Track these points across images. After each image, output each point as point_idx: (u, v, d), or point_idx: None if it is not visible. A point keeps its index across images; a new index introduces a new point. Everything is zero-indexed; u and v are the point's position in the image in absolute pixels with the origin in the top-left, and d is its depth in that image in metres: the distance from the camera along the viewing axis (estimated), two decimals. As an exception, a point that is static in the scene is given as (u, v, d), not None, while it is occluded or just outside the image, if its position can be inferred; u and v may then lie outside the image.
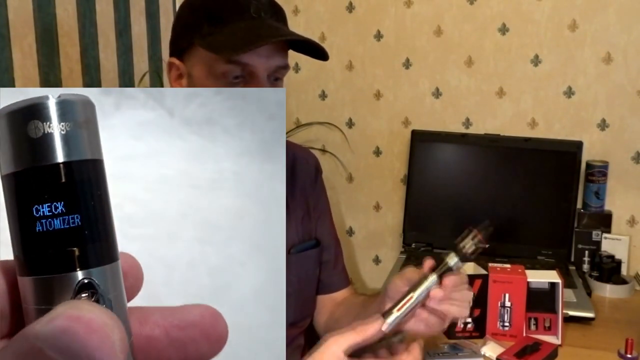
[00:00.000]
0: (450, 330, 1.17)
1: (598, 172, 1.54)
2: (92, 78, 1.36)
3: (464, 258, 0.74)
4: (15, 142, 0.38)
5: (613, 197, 1.58)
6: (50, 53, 1.23)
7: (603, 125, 1.58)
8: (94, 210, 0.38)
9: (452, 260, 0.74)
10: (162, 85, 1.66)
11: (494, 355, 1.08)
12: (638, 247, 1.57)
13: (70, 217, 0.37)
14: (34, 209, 0.37)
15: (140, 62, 1.56)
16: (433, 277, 0.74)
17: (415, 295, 0.74)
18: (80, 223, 0.37)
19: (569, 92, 1.59)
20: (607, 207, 1.58)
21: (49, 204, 0.37)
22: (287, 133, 1.74)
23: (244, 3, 0.87)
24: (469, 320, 1.17)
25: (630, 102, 1.55)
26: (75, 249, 0.37)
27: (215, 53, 0.85)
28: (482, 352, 1.10)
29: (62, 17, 1.26)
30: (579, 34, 1.56)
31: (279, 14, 0.92)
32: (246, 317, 0.65)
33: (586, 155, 1.56)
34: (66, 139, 0.38)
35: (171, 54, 0.94)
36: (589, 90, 1.58)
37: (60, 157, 0.37)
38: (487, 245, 0.74)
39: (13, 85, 1.14)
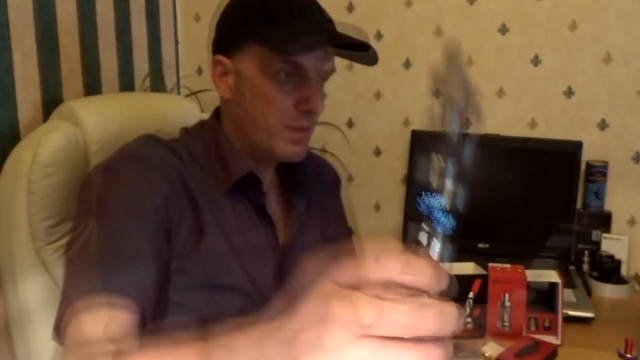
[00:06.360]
0: (450, 330, 1.17)
1: (598, 172, 1.54)
2: (92, 78, 1.36)
3: None
4: None
5: (613, 197, 1.58)
6: (50, 53, 1.23)
7: (603, 125, 1.58)
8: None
9: None
10: (164, 85, 1.65)
11: (494, 355, 1.08)
12: (638, 247, 1.57)
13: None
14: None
15: (140, 62, 1.56)
16: None
17: None
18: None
19: (569, 92, 1.59)
20: (607, 207, 1.58)
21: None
22: (287, 133, 1.74)
23: (299, 6, 0.88)
24: (469, 320, 1.17)
25: (630, 102, 1.55)
26: None
27: (277, 51, 0.84)
28: (482, 352, 1.10)
29: (62, 17, 1.26)
30: (579, 34, 1.56)
31: (329, 19, 0.94)
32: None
33: (586, 155, 1.56)
34: None
35: (216, 52, 0.92)
36: (589, 90, 1.58)
37: None
38: None
39: (13, 86, 1.14)
